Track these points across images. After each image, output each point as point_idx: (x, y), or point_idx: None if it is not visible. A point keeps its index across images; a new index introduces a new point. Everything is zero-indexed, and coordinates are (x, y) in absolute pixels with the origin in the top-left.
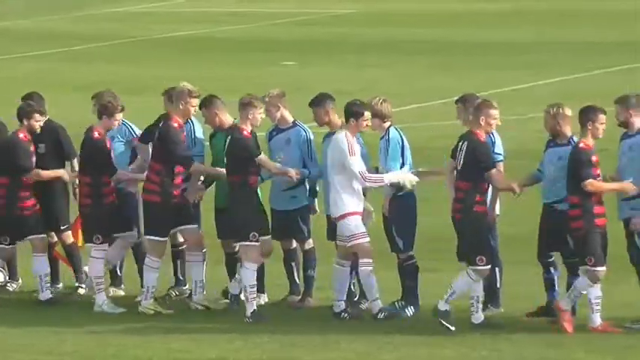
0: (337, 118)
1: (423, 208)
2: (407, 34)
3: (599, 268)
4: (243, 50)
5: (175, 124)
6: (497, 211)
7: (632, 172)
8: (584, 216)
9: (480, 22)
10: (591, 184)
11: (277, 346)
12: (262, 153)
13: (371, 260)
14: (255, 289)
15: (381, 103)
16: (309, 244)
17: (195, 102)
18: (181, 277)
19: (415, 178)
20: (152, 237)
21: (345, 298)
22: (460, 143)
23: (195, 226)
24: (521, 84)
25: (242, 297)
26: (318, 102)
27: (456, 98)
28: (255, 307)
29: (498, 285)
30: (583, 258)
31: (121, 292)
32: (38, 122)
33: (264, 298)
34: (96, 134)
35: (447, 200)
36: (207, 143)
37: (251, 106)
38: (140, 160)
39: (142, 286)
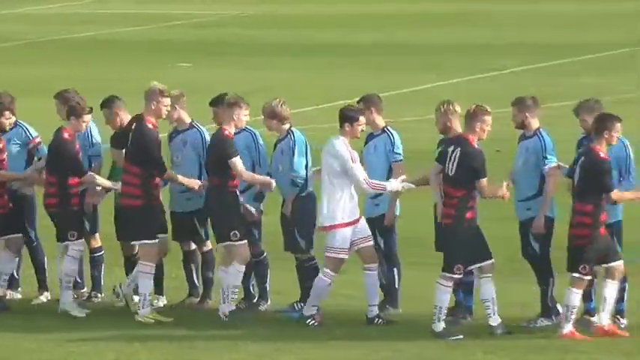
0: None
1: None
2: (304, 36)
3: (587, 277)
4: (139, 52)
5: (150, 125)
6: (398, 211)
7: (527, 174)
8: (593, 225)
9: (375, 23)
10: (615, 194)
11: (176, 347)
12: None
13: (335, 275)
14: (237, 289)
15: (281, 105)
16: (207, 245)
17: (167, 101)
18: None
19: (411, 186)
20: (143, 241)
21: (376, 302)
22: (451, 149)
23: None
24: (421, 85)
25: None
26: (216, 102)
27: (357, 99)
28: (234, 307)
29: (397, 285)
30: (577, 265)
31: (18, 295)
32: (8, 120)
33: (162, 301)
34: (65, 135)
35: None
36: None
37: (237, 106)
38: (37, 165)
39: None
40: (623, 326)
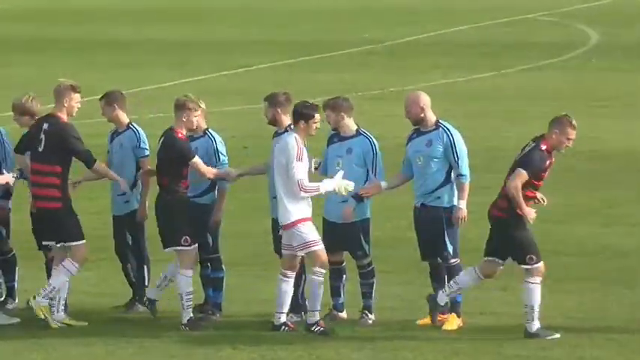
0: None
1: None
2: (50, 32)
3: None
4: None
5: (65, 119)
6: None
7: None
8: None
9: (122, 19)
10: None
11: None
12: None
13: (324, 271)
14: (191, 296)
15: (32, 100)
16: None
17: (79, 97)
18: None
19: (351, 184)
20: (73, 243)
21: (284, 310)
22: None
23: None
24: (166, 82)
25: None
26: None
27: (100, 96)
28: (192, 315)
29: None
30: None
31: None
32: None
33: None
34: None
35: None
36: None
37: (185, 108)
38: None
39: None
40: (370, 322)
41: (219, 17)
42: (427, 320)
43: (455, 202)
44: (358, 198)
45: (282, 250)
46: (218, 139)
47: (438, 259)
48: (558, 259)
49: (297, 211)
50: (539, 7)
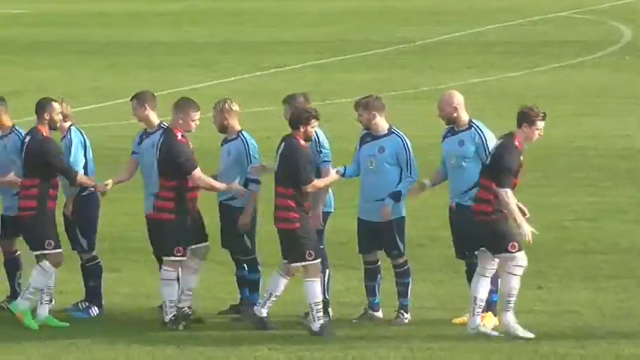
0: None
1: (106, 208)
2: (77, 34)
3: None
4: None
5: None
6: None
7: None
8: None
9: (153, 21)
10: None
11: None
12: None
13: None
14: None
15: (62, 102)
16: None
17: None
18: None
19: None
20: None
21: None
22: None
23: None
24: (200, 83)
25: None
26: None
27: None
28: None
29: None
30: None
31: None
32: None
33: None
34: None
35: (128, 200)
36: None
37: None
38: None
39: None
40: (406, 321)
41: (250, 18)
42: (463, 319)
43: None
44: (395, 197)
45: None
46: (251, 142)
47: (474, 257)
48: (592, 257)
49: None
50: (573, 5)
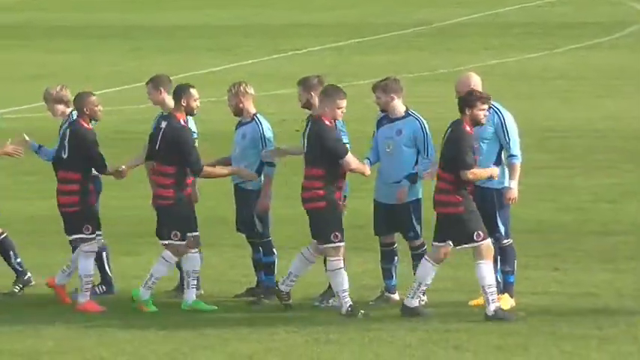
0: None
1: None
2: (96, 18)
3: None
4: None
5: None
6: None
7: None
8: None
9: (170, 5)
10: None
11: None
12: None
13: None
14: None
15: (62, 88)
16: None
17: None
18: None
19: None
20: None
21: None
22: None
23: None
24: (217, 67)
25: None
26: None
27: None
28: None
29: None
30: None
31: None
32: None
33: None
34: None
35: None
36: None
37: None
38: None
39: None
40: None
41: (270, 1)
42: (480, 301)
43: (506, 183)
44: (412, 179)
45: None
46: (266, 125)
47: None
48: (611, 239)
49: None
50: None
